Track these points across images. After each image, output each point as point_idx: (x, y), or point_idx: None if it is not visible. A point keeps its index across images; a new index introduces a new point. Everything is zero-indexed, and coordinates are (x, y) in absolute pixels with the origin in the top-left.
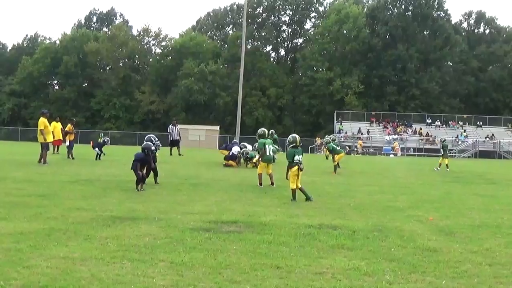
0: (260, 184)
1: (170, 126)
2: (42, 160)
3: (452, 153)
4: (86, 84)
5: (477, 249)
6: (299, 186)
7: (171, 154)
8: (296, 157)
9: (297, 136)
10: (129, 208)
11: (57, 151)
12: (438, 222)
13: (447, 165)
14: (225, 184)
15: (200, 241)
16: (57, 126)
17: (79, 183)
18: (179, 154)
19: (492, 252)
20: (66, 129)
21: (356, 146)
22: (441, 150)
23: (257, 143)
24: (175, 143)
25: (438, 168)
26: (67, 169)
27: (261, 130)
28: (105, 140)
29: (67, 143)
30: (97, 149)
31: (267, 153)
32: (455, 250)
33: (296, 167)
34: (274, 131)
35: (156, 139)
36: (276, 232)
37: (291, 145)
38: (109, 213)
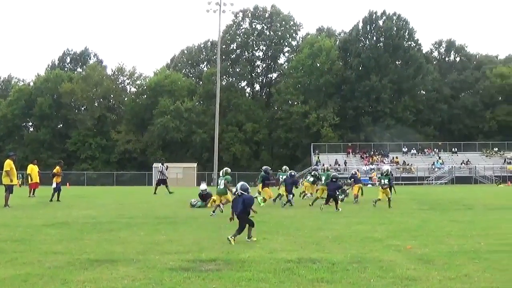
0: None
1: (160, 165)
2: (5, 203)
3: (429, 180)
4: (61, 125)
5: (456, 275)
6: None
7: (155, 193)
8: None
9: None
10: (106, 250)
11: (33, 194)
12: (417, 250)
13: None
14: (203, 221)
15: (179, 281)
16: (34, 169)
17: (55, 226)
18: (170, 192)
19: (470, 278)
20: (54, 171)
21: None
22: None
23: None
24: (162, 182)
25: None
26: (43, 212)
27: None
28: None
29: (54, 185)
30: None
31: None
32: (434, 277)
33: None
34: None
35: None
36: (255, 268)
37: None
38: (86, 256)
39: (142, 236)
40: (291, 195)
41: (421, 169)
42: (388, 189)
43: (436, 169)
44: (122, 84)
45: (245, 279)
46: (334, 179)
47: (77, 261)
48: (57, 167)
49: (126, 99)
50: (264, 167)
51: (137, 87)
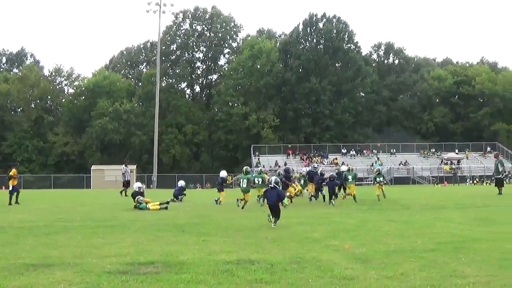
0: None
1: (123, 166)
2: None
3: (368, 181)
4: None
5: (392, 274)
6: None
7: (122, 195)
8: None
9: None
10: (43, 254)
11: None
12: (354, 250)
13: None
14: (142, 224)
15: (117, 284)
16: None
17: None
18: (126, 195)
19: (407, 276)
20: (10, 173)
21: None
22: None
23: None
24: (127, 184)
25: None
26: None
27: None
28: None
29: (10, 187)
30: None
31: (242, 186)
32: (371, 276)
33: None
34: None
35: None
36: (194, 271)
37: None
38: (22, 260)
39: (80, 240)
40: (319, 192)
41: (360, 170)
42: (382, 186)
43: (374, 169)
44: (60, 85)
45: (183, 281)
46: (332, 178)
47: (13, 266)
48: (13, 169)
49: (63, 100)
50: (285, 167)
51: (75, 88)
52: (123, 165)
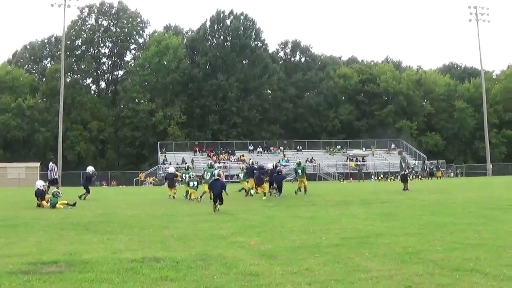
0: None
1: (51, 164)
2: None
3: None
4: None
5: (297, 269)
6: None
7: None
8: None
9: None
10: None
11: None
12: (260, 246)
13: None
14: (45, 223)
15: (19, 284)
16: None
17: None
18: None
19: (312, 271)
20: None
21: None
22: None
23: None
24: (55, 182)
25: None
26: None
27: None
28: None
29: None
30: None
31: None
32: (276, 272)
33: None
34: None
35: None
36: (98, 269)
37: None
38: None
39: None
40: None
41: None
42: (305, 179)
43: (281, 166)
44: None
45: (87, 280)
46: (280, 172)
47: None
48: None
49: None
50: (258, 164)
51: None
52: (50, 162)
